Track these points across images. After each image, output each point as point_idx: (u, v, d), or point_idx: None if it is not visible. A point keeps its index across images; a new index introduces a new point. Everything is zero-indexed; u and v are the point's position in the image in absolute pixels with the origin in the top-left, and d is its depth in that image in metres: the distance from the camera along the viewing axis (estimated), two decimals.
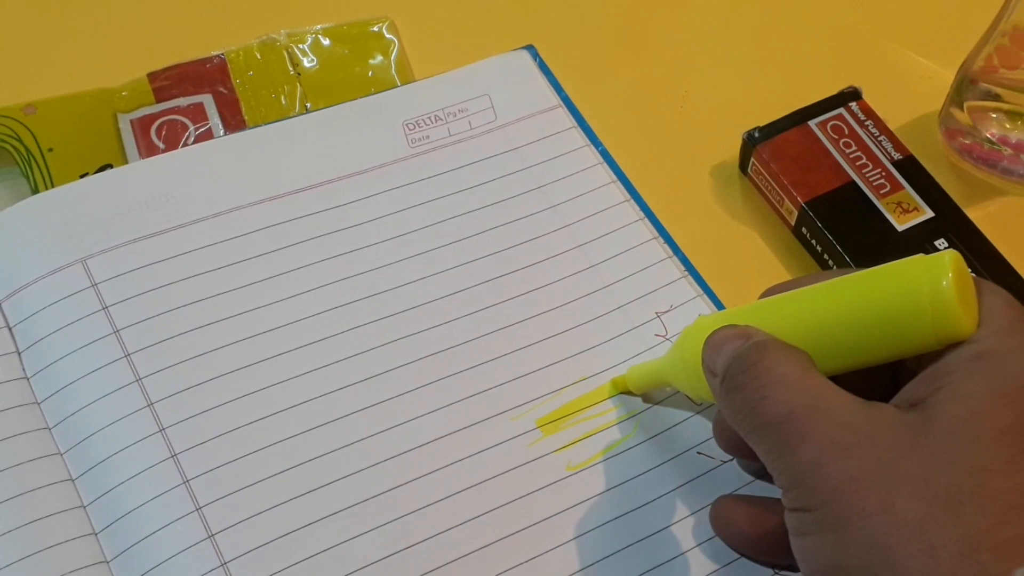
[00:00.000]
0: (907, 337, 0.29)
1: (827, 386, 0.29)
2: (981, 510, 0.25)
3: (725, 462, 0.39)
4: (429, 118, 0.48)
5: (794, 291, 0.33)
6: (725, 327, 0.32)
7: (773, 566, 0.37)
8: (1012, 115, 0.47)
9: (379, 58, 0.51)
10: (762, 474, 0.37)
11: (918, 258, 0.30)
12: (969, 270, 0.30)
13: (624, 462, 0.40)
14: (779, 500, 0.30)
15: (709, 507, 0.37)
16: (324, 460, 0.38)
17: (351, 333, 0.41)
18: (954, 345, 0.29)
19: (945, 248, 0.43)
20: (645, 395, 0.41)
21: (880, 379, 0.32)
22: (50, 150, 0.46)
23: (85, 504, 0.38)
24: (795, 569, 0.32)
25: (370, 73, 0.50)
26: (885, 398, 0.29)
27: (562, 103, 0.49)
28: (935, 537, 0.25)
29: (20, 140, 0.46)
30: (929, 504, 0.26)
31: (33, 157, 0.46)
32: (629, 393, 0.41)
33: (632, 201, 0.46)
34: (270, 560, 0.36)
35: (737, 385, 0.30)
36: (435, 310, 0.42)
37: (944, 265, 0.29)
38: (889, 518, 0.26)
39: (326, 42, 0.51)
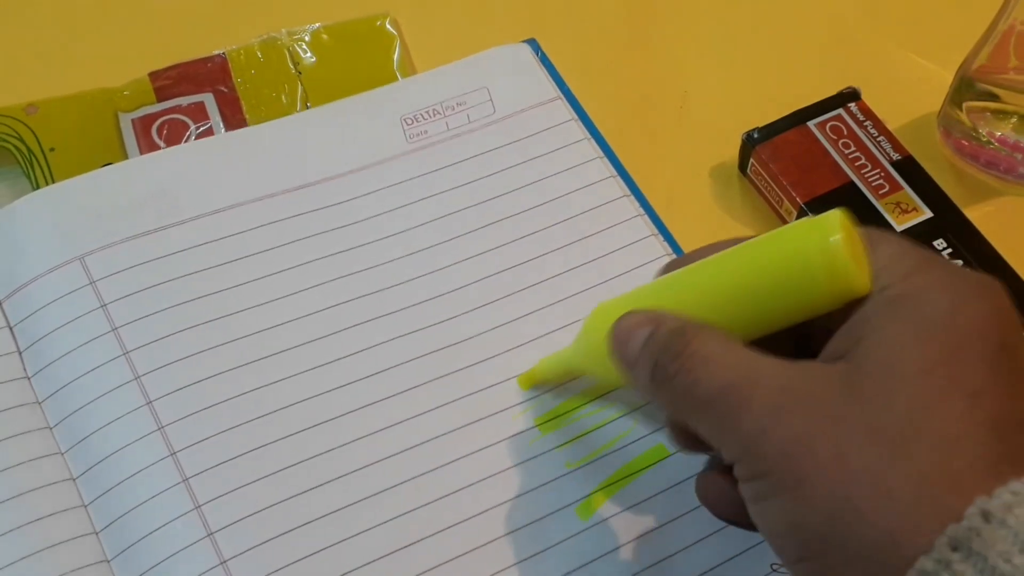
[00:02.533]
0: (804, 299, 0.29)
1: (753, 355, 0.29)
2: (927, 447, 0.26)
3: None
4: (427, 112, 0.47)
5: (689, 266, 0.33)
6: (629, 314, 0.32)
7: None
8: (1011, 115, 0.47)
9: (381, 55, 0.51)
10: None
11: (806, 220, 0.30)
12: (857, 226, 0.30)
13: (621, 459, 0.40)
14: None
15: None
16: (323, 458, 0.38)
17: (349, 331, 0.41)
18: (862, 297, 0.29)
19: (944, 249, 0.43)
20: (558, 386, 0.41)
21: (792, 341, 0.32)
22: (52, 150, 0.46)
23: (86, 503, 0.38)
24: None
25: (372, 70, 0.50)
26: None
27: (562, 95, 0.49)
28: (890, 479, 0.26)
29: (22, 140, 0.46)
30: (879, 449, 0.26)
31: (35, 157, 0.46)
32: (541, 385, 0.41)
33: (631, 196, 0.46)
34: (269, 558, 0.36)
35: (667, 375, 0.30)
36: (435, 307, 0.42)
37: (832, 224, 0.29)
38: (843, 469, 0.26)
39: (327, 39, 0.51)
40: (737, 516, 0.32)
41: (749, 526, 0.33)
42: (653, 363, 0.30)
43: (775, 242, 0.30)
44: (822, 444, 0.27)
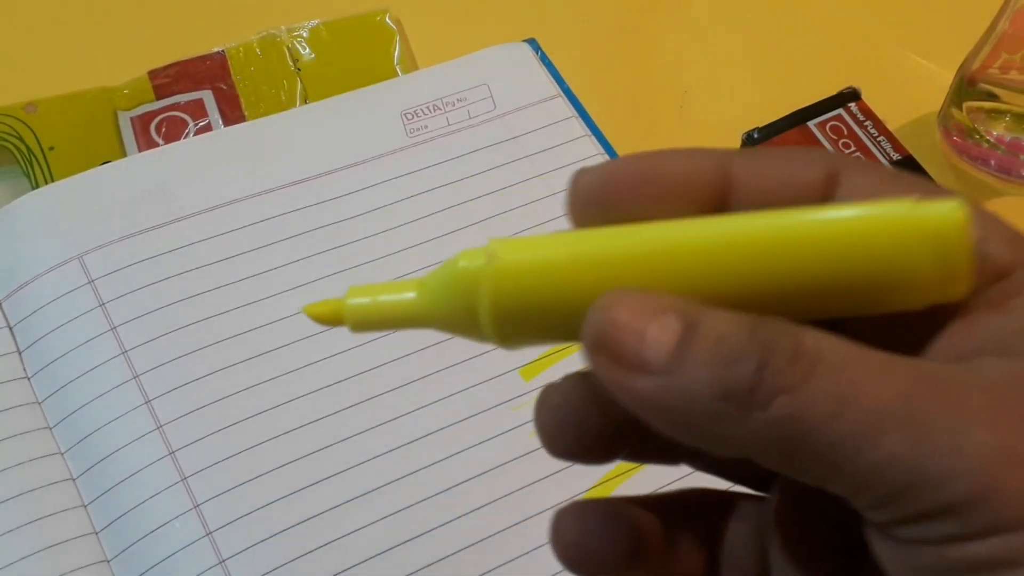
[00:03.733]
0: (884, 300, 0.20)
1: (876, 351, 0.19)
2: None
3: None
4: (427, 108, 0.47)
5: (682, 223, 0.21)
6: (627, 292, 0.19)
7: None
8: (1011, 115, 0.47)
9: (381, 50, 0.50)
10: None
11: (913, 206, 0.20)
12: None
13: None
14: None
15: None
16: (323, 454, 0.38)
17: None
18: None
19: None
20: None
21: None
22: (51, 148, 0.46)
23: (86, 503, 0.38)
24: None
25: (372, 66, 0.50)
26: None
27: (562, 93, 0.49)
28: None
29: (21, 139, 0.46)
30: None
31: (34, 156, 0.46)
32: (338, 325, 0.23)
33: None
34: (268, 556, 0.36)
35: (782, 387, 0.18)
36: None
37: (958, 227, 0.19)
38: None
39: (327, 36, 0.51)
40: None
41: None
42: (759, 362, 0.18)
43: (868, 228, 0.20)
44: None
